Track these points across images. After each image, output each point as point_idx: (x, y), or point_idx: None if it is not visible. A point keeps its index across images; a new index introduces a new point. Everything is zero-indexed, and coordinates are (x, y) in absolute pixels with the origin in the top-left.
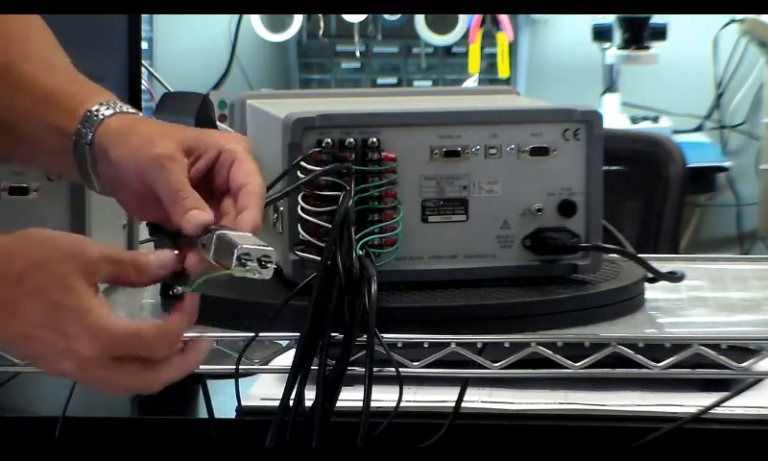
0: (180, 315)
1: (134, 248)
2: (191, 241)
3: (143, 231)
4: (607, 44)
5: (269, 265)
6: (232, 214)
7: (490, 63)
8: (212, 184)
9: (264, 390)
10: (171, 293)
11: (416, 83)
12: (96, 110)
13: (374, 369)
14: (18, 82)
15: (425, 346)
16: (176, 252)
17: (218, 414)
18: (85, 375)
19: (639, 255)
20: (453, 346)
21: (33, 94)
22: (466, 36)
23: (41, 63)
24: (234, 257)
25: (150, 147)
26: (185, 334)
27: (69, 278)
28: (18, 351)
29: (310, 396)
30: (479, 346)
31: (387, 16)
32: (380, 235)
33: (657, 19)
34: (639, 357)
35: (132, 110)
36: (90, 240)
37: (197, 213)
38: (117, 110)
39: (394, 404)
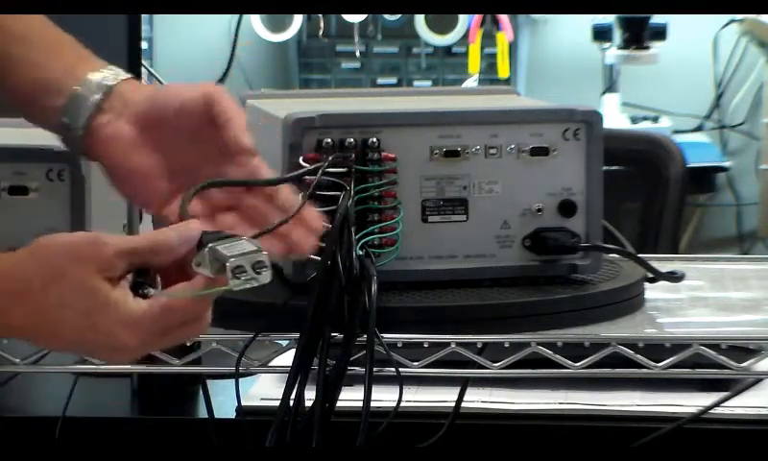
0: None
1: None
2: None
3: (143, 232)
4: (607, 44)
5: (263, 271)
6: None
7: (490, 63)
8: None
9: (264, 390)
10: (141, 292)
11: (416, 83)
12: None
13: (374, 369)
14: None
15: (425, 346)
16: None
17: (218, 414)
18: (141, 351)
19: (639, 255)
20: (453, 346)
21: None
22: (466, 36)
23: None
24: (228, 273)
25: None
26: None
27: (89, 282)
28: (76, 353)
29: (310, 396)
30: (479, 346)
31: (387, 16)
32: (380, 235)
33: (657, 19)
34: (639, 357)
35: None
36: (104, 236)
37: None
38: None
39: (394, 404)
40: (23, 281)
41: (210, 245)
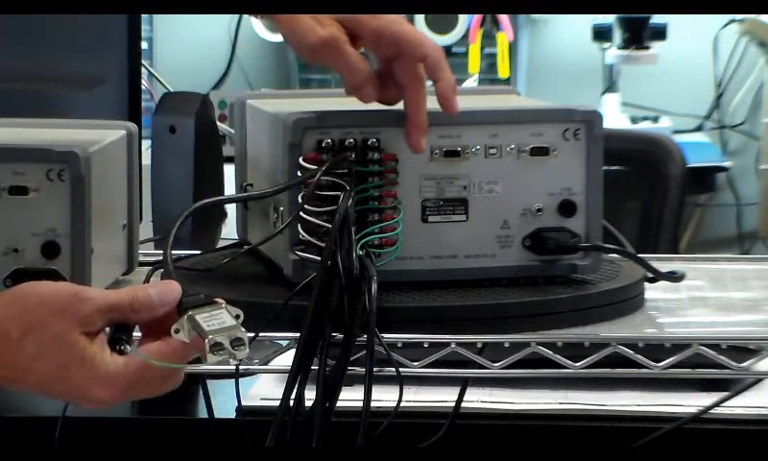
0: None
1: (134, 249)
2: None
3: (143, 232)
4: (607, 44)
5: (241, 348)
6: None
7: (490, 63)
8: None
9: (264, 390)
10: (118, 348)
11: None
12: None
13: (374, 369)
14: None
15: (425, 346)
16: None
17: (218, 414)
18: (112, 404)
19: (639, 255)
20: (453, 346)
21: None
22: (466, 36)
23: None
24: (206, 348)
25: None
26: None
27: (67, 336)
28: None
29: (310, 396)
30: (479, 346)
31: None
32: (380, 235)
33: (657, 19)
34: (639, 357)
35: None
36: (86, 290)
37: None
38: None
39: (394, 404)
40: (0, 327)
41: (189, 313)
